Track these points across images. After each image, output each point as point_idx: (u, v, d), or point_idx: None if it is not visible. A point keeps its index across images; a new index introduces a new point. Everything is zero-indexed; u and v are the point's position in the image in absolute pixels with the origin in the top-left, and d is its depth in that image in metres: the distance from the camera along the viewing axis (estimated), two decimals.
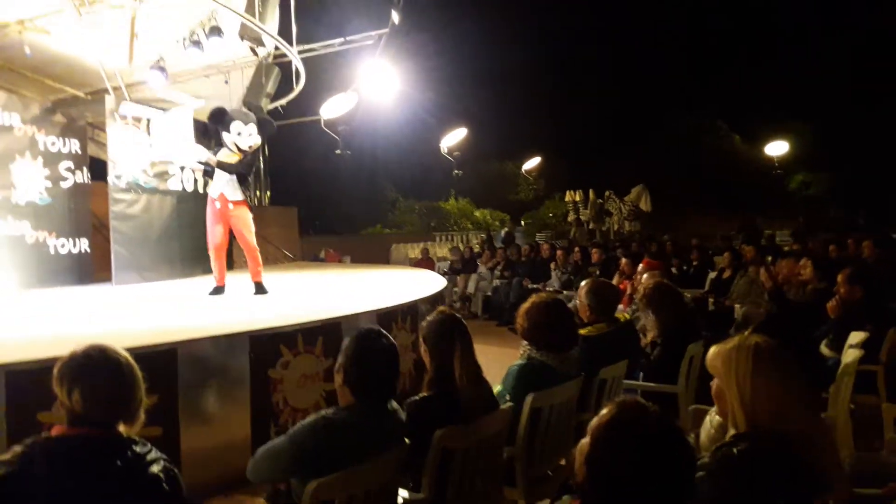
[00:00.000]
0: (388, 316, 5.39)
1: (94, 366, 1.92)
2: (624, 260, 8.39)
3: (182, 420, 3.84)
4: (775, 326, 3.22)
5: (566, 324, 3.50)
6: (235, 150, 6.43)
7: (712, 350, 2.24)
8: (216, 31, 8.37)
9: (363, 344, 2.49)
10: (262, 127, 6.62)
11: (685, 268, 10.08)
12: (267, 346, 4.33)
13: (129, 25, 8.57)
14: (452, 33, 22.32)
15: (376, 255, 18.11)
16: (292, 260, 13.44)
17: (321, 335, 4.69)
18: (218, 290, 6.72)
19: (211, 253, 6.68)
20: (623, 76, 25.77)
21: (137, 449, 1.87)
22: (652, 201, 16.59)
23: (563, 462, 3.48)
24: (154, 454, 1.89)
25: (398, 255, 19.36)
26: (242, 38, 8.00)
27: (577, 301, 4.30)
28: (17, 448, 1.78)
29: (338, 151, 14.62)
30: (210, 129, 6.60)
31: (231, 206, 6.50)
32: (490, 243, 15.80)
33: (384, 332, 2.58)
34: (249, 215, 6.68)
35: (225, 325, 4.57)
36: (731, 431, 2.10)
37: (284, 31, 8.94)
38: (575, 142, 25.15)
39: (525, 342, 3.49)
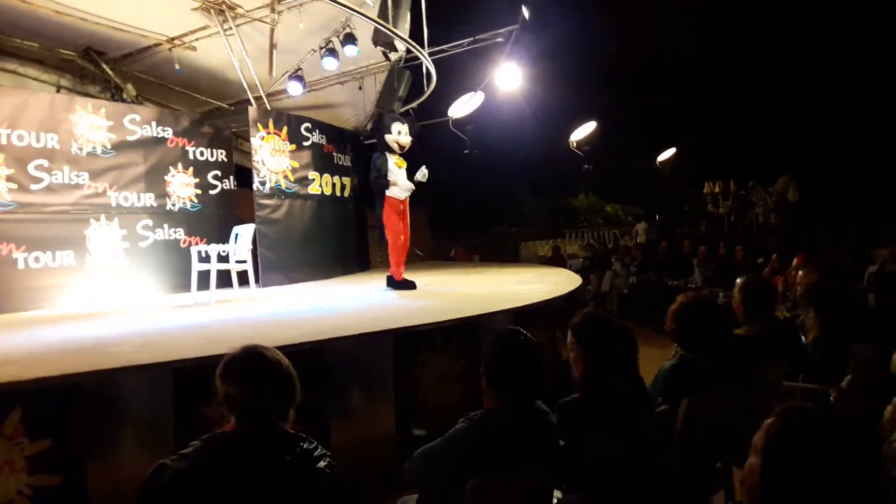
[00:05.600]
0: (524, 315, 5.31)
1: (254, 365, 2.01)
2: (774, 255, 7.86)
3: (331, 416, 3.95)
4: None
5: (718, 323, 3.30)
6: (397, 147, 6.92)
7: None
8: (351, 38, 8.64)
9: (504, 344, 2.49)
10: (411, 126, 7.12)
11: (840, 262, 9.32)
12: (409, 344, 4.38)
13: (268, 38, 9.03)
14: (582, 25, 21.85)
15: (505, 253, 18.11)
16: (423, 259, 13.67)
17: (459, 334, 4.69)
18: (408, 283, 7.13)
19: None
20: (762, 60, 24.28)
21: (305, 445, 1.94)
22: (800, 191, 15.46)
23: (718, 465, 3.29)
24: (320, 451, 1.96)
25: (527, 253, 19.25)
26: (376, 43, 8.20)
27: (733, 300, 4.05)
28: (196, 443, 1.89)
29: (465, 151, 14.66)
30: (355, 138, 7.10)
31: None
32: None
33: (524, 331, 2.54)
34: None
35: (369, 323, 4.67)
36: None
37: (415, 35, 9.09)
38: (713, 131, 23.90)
39: (675, 345, 3.33)
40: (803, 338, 4.17)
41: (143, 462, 3.25)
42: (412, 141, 7.06)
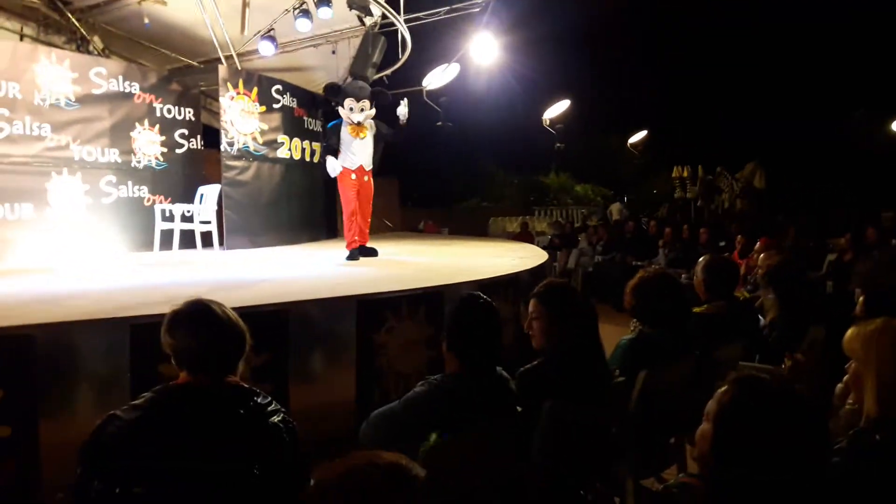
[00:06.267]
0: (490, 286, 5.32)
1: (200, 318, 1.99)
2: (739, 237, 7.98)
3: (291, 379, 3.93)
4: None
5: (676, 299, 3.35)
6: (350, 122, 6.69)
7: (851, 332, 2.09)
8: (325, 0, 8.47)
9: (465, 309, 2.50)
10: (376, 98, 6.86)
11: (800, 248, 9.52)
12: (373, 310, 4.36)
13: None
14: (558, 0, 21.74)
15: (474, 227, 18.11)
16: (392, 230, 13.63)
17: (424, 302, 4.69)
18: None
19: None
20: (737, 47, 24.43)
21: (259, 400, 1.92)
22: (767, 178, 15.73)
23: (672, 440, 3.36)
24: (274, 406, 1.95)
25: (496, 228, 19.31)
26: (351, 7, 8.07)
27: (694, 278, 4.11)
28: (148, 394, 1.86)
29: (439, 123, 14.55)
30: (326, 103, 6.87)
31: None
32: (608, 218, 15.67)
33: (485, 297, 2.55)
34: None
35: (334, 289, 4.65)
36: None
37: (391, 0, 8.95)
38: (684, 115, 24.08)
39: (635, 319, 3.38)
40: (762, 319, 4.26)
41: (98, 418, 3.22)
42: (372, 115, 6.78)
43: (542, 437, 2.44)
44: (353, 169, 6.75)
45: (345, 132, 6.73)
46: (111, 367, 3.40)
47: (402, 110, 6.78)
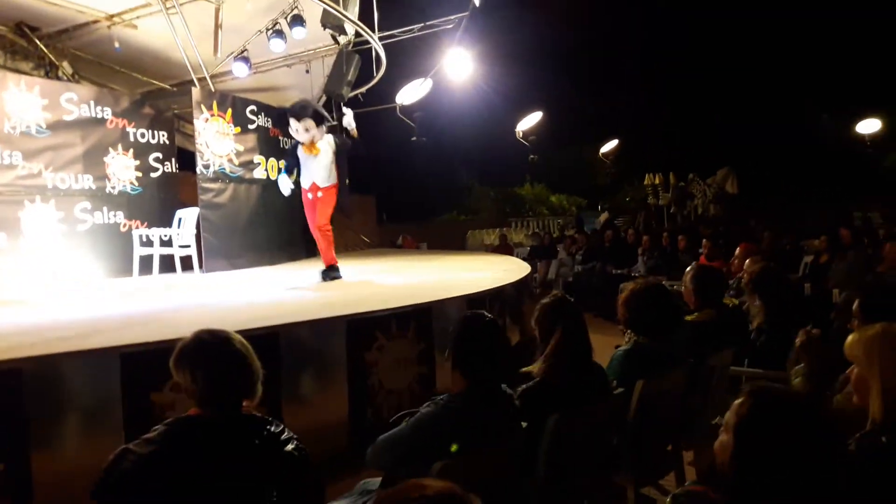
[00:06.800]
0: (477, 301, 5.35)
1: (211, 349, 1.95)
2: (705, 241, 8.08)
3: (284, 401, 3.90)
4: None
5: (667, 308, 3.38)
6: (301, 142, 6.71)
7: (852, 337, 2.13)
8: (298, 20, 8.46)
9: (470, 327, 2.49)
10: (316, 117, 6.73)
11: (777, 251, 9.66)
12: (363, 330, 4.35)
13: (213, 17, 8.77)
14: (530, 14, 22.00)
15: (452, 241, 18.13)
16: (370, 246, 13.60)
17: (413, 319, 4.69)
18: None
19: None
20: (704, 55, 24.86)
21: (272, 429, 1.90)
22: (738, 183, 15.95)
23: (669, 448, 3.38)
24: (287, 434, 1.93)
25: (474, 241, 19.35)
26: (324, 26, 8.05)
27: (683, 287, 4.16)
28: (160, 427, 1.82)
29: (413, 138, 14.60)
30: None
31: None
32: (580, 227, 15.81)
33: (487, 314, 2.56)
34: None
35: (322, 309, 4.62)
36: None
37: (365, 18, 8.96)
38: (654, 124, 24.42)
39: (628, 330, 3.40)
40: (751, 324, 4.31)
41: (92, 450, 3.16)
42: (319, 133, 6.65)
43: (546, 450, 2.44)
44: (307, 188, 6.73)
45: (299, 151, 6.69)
46: (102, 398, 3.35)
47: (347, 120, 6.81)
